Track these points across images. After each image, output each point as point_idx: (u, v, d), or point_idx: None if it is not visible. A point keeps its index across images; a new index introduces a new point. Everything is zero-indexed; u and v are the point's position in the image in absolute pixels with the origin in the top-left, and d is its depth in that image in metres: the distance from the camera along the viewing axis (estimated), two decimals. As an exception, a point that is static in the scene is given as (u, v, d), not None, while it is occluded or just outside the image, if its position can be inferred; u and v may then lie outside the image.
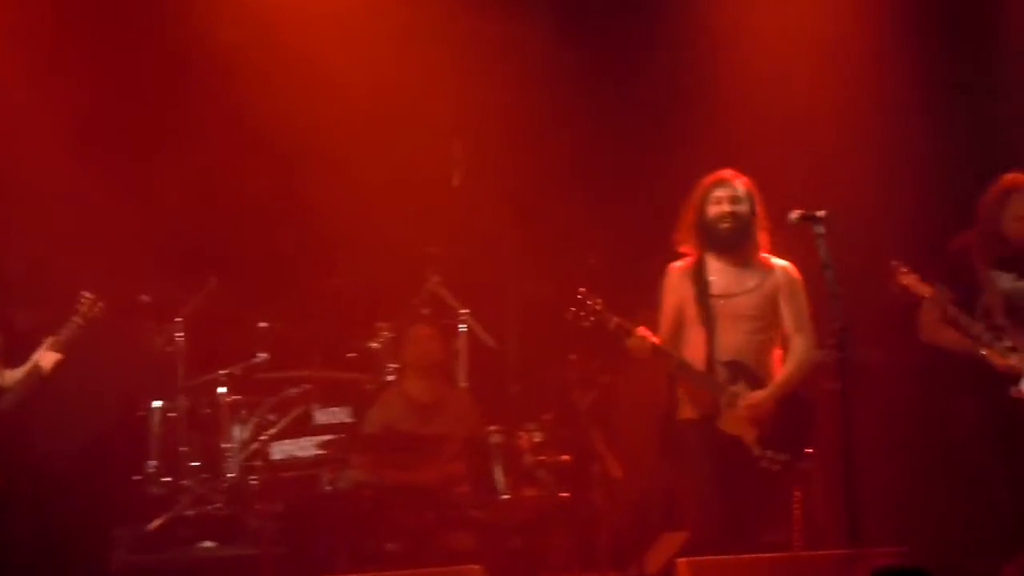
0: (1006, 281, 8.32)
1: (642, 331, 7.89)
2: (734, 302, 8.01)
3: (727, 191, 8.02)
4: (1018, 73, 10.14)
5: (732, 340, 7.97)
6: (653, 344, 7.89)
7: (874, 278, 8.37)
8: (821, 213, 7.17)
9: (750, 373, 7.94)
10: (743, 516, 7.79)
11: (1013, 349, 8.16)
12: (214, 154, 10.15)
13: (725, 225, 8.00)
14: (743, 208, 8.02)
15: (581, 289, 7.96)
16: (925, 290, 8.22)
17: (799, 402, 7.98)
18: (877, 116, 10.14)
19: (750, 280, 8.05)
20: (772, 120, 9.92)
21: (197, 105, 10.15)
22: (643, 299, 10.21)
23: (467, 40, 10.16)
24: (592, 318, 7.92)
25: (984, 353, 8.17)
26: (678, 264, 8.16)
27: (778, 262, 8.11)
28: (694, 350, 7.99)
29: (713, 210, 8.02)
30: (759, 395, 7.87)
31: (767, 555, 7.16)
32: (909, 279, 8.21)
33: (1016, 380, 8.16)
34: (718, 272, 8.05)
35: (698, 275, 8.04)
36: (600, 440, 8.91)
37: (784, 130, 9.70)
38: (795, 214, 7.27)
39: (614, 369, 9.91)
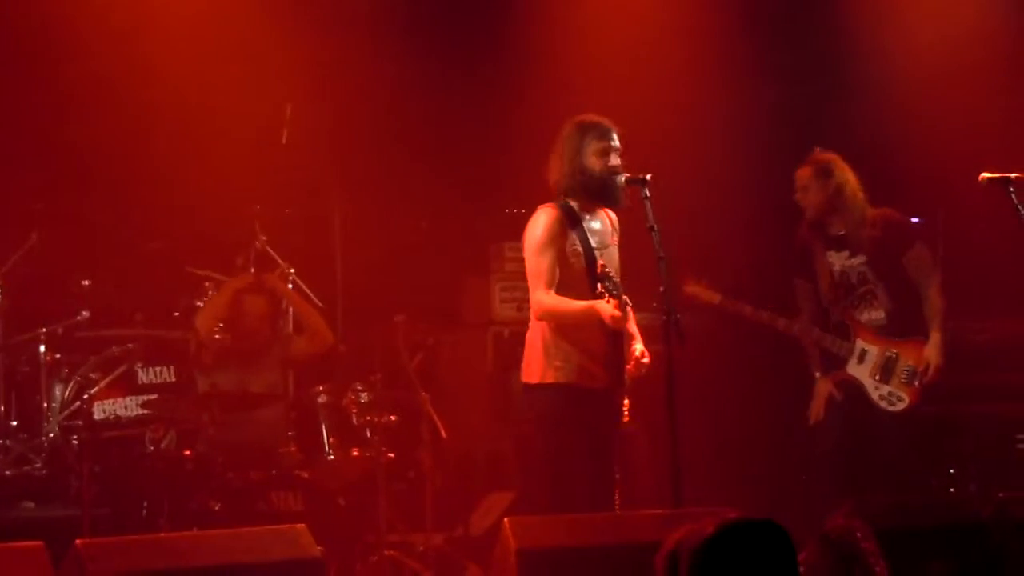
0: (839, 260, 8.54)
1: None
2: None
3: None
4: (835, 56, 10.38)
5: None
6: None
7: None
8: (647, 176, 7.24)
9: None
10: (606, 478, 7.56)
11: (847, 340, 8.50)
12: (34, 109, 9.96)
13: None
14: None
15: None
16: (714, 297, 8.44)
17: None
18: (711, 87, 10.29)
19: None
20: (609, 81, 9.98)
21: (14, 60, 9.92)
22: (471, 263, 10.31)
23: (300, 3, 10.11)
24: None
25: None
26: None
27: None
28: None
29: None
30: None
31: (590, 514, 7.16)
32: (696, 288, 8.42)
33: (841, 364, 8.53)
34: None
35: None
36: (427, 401, 8.93)
37: (618, 93, 9.73)
38: (623, 177, 7.33)
39: (440, 331, 9.95)
